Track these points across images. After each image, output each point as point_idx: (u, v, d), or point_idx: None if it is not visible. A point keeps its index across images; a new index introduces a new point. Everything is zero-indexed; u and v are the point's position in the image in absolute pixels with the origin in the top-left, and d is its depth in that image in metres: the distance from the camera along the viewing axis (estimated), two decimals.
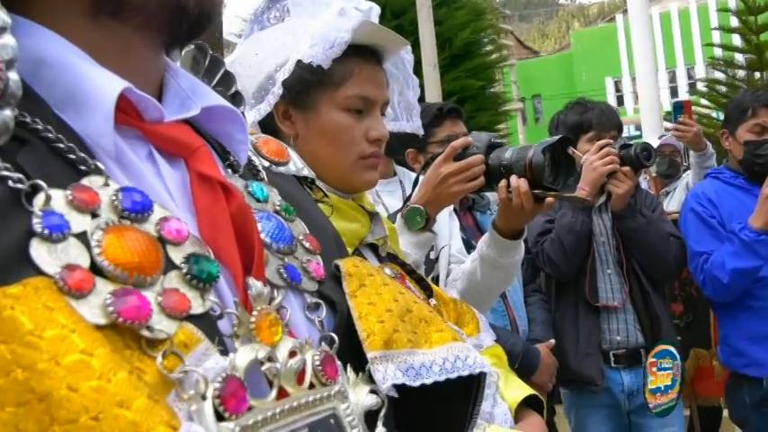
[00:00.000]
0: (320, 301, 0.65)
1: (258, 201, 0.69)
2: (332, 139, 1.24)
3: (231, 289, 0.58)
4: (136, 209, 0.54)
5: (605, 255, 2.70)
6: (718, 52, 11.12)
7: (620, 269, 2.69)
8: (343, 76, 1.23)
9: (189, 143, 0.63)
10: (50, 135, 0.54)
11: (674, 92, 29.74)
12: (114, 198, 0.53)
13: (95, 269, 0.50)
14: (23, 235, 0.48)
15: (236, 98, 0.79)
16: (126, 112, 0.59)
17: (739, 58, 9.85)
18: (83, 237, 0.50)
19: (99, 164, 0.55)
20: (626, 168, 2.50)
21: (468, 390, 0.70)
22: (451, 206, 2.09)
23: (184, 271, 0.54)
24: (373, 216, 1.29)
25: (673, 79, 31.86)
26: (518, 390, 1.37)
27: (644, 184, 4.39)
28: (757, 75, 9.25)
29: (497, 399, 1.28)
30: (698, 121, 3.90)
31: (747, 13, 9.16)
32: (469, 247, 2.22)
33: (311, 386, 0.58)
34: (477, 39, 12.16)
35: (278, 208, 0.70)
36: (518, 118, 27.16)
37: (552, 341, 2.50)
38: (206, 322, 0.53)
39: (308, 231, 0.71)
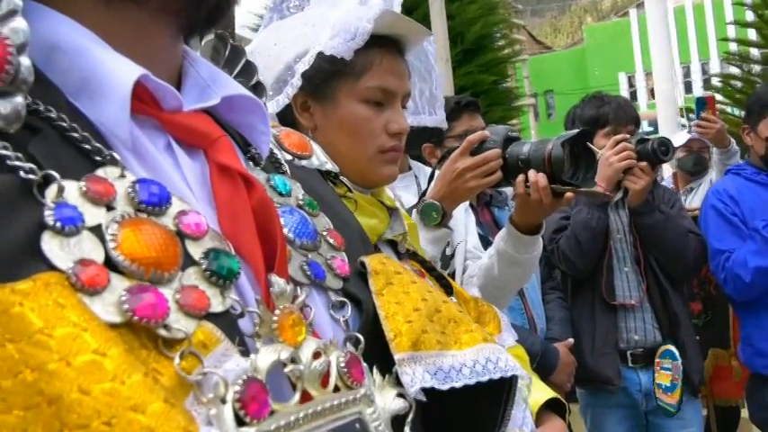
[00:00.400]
0: (345, 300, 0.62)
1: (281, 194, 0.66)
2: (351, 131, 1.21)
3: (253, 286, 0.55)
4: (153, 201, 0.51)
5: (622, 252, 2.66)
6: (733, 47, 11.02)
7: (637, 266, 2.65)
8: (364, 66, 1.20)
9: (209, 133, 0.60)
10: (64, 124, 0.51)
11: (688, 87, 29.52)
12: (131, 190, 0.51)
13: (110, 264, 0.47)
14: (34, 228, 0.45)
15: (258, 89, 0.76)
16: (143, 101, 0.56)
17: (755, 52, 9.77)
18: (97, 230, 0.48)
19: (115, 154, 0.52)
20: (643, 164, 2.45)
21: (499, 392, 0.67)
22: (468, 201, 2.06)
23: (204, 267, 0.51)
24: (392, 211, 1.26)
25: (687, 74, 31.61)
26: (540, 392, 1.34)
27: (668, 180, 4.32)
28: None
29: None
30: None
31: (764, 7, 9.08)
32: (486, 243, 2.18)
33: (336, 389, 0.55)
34: (489, 33, 12.10)
35: (301, 202, 0.67)
36: (530, 113, 27.04)
37: (571, 340, 2.46)
38: (226, 321, 0.51)
39: (331, 227, 0.68)
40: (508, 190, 2.34)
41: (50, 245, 0.45)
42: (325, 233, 0.66)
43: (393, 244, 1.27)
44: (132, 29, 0.57)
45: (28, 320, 0.41)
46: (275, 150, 0.74)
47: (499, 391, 0.67)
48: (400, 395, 0.60)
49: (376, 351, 0.61)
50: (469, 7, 11.20)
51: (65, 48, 0.54)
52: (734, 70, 10.31)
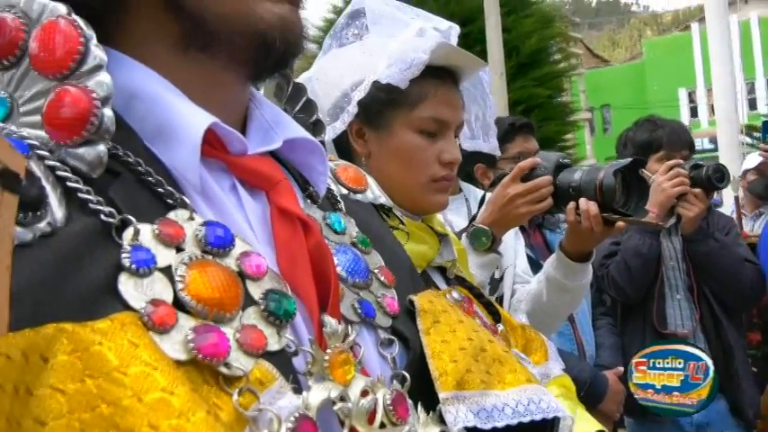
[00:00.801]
0: (393, 338, 0.65)
1: (336, 232, 0.69)
2: (404, 159, 1.23)
3: (307, 325, 0.58)
4: (218, 243, 0.55)
5: (675, 279, 2.60)
6: None
7: (690, 295, 2.59)
8: (419, 97, 1.22)
9: (271, 176, 0.63)
10: (140, 168, 0.55)
11: (752, 104, 28.70)
12: (198, 232, 0.55)
13: (178, 303, 0.51)
14: (112, 268, 0.49)
15: (317, 126, 0.80)
16: (212, 145, 0.61)
17: None
18: (167, 271, 0.52)
19: (185, 198, 0.56)
20: (697, 190, 2.41)
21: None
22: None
23: (262, 307, 0.54)
24: (443, 238, 1.28)
25: (752, 90, 30.71)
26: (586, 423, 1.33)
27: (729, 208, 4.18)
28: None
29: None
30: None
31: None
32: (537, 266, 2.18)
33: (382, 425, 0.58)
34: (545, 47, 11.98)
35: (355, 240, 0.70)
36: (586, 128, 26.67)
37: (621, 368, 2.42)
38: (281, 359, 0.54)
39: (383, 264, 0.71)
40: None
41: (126, 285, 0.49)
42: (376, 271, 0.69)
43: (442, 270, 1.29)
44: (205, 77, 0.62)
45: (106, 359, 0.45)
46: (332, 185, 0.78)
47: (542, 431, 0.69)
48: None
49: (421, 388, 0.64)
50: (526, 21, 11.12)
51: (143, 96, 0.59)
52: None
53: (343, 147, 1.30)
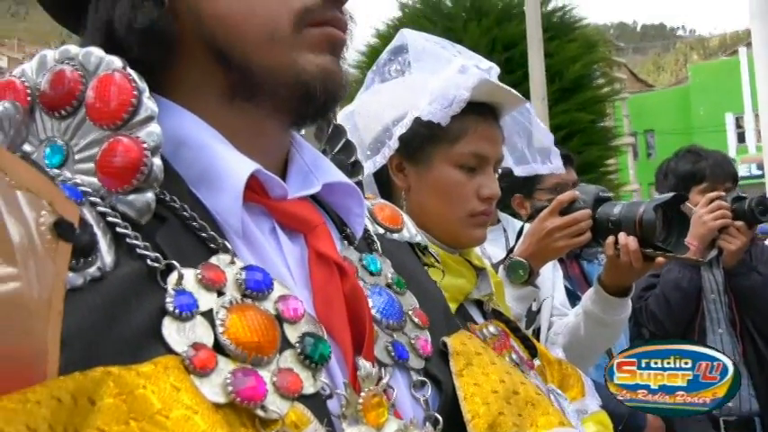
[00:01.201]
0: (426, 380, 0.66)
1: (371, 274, 0.71)
2: (443, 194, 1.25)
3: (341, 368, 0.60)
4: (257, 288, 0.57)
5: (716, 313, 2.55)
6: None
7: (732, 329, 2.53)
8: (459, 133, 1.23)
9: (309, 221, 0.66)
10: (186, 213, 0.58)
11: None
12: (239, 277, 0.57)
13: (218, 346, 0.53)
14: (157, 312, 0.52)
15: (355, 167, 0.82)
16: (254, 190, 0.63)
17: None
18: (208, 314, 0.54)
19: (227, 242, 0.59)
20: (739, 223, 2.36)
21: None
22: None
23: (299, 351, 0.56)
24: (480, 271, 1.29)
25: None
26: None
27: None
28: None
29: None
30: None
31: None
32: (574, 297, 2.16)
33: None
34: (588, 72, 11.90)
35: (390, 281, 0.72)
36: (629, 153, 26.32)
37: None
38: (316, 402, 0.55)
39: (417, 305, 0.72)
40: None
41: (169, 329, 0.51)
42: (410, 312, 0.71)
43: (479, 303, 1.30)
44: (249, 125, 0.65)
45: (149, 402, 0.47)
46: (369, 224, 0.79)
47: None
48: None
49: (454, 430, 0.64)
50: (569, 46, 11.06)
51: (190, 143, 0.62)
52: None
53: (383, 180, 1.32)
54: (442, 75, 1.26)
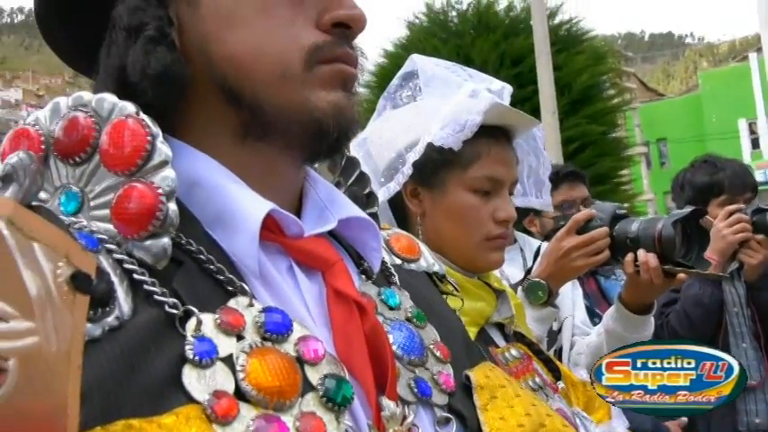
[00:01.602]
0: (450, 416, 0.65)
1: (390, 308, 0.70)
2: (459, 219, 1.24)
3: (364, 409, 0.59)
4: (277, 330, 0.56)
5: (739, 327, 2.49)
6: None
7: (756, 343, 2.48)
8: (473, 156, 1.23)
9: (327, 258, 0.65)
10: (202, 257, 0.57)
11: None
12: (258, 319, 0.56)
13: (239, 392, 0.52)
14: (176, 360, 0.51)
15: (370, 198, 0.81)
16: (269, 229, 0.62)
17: None
18: (228, 360, 0.53)
19: (244, 284, 0.58)
20: (760, 236, 2.31)
21: None
22: None
23: (321, 393, 0.55)
24: (500, 294, 1.27)
25: None
26: None
27: None
28: None
29: None
30: None
31: None
32: (593, 314, 2.14)
33: None
34: (597, 83, 11.87)
35: (410, 314, 0.71)
36: (642, 163, 26.17)
37: (684, 419, 2.33)
38: None
39: (438, 338, 0.71)
40: None
41: (190, 378, 0.50)
42: (432, 346, 0.69)
43: (500, 326, 1.28)
44: (263, 163, 0.64)
45: None
46: (385, 255, 0.78)
47: None
48: None
49: None
50: (578, 57, 11.04)
51: (204, 184, 0.61)
52: None
53: (398, 206, 1.31)
54: (454, 99, 1.26)
